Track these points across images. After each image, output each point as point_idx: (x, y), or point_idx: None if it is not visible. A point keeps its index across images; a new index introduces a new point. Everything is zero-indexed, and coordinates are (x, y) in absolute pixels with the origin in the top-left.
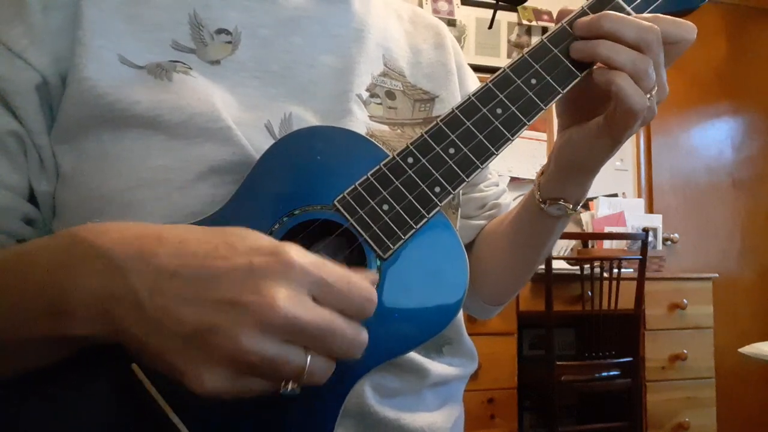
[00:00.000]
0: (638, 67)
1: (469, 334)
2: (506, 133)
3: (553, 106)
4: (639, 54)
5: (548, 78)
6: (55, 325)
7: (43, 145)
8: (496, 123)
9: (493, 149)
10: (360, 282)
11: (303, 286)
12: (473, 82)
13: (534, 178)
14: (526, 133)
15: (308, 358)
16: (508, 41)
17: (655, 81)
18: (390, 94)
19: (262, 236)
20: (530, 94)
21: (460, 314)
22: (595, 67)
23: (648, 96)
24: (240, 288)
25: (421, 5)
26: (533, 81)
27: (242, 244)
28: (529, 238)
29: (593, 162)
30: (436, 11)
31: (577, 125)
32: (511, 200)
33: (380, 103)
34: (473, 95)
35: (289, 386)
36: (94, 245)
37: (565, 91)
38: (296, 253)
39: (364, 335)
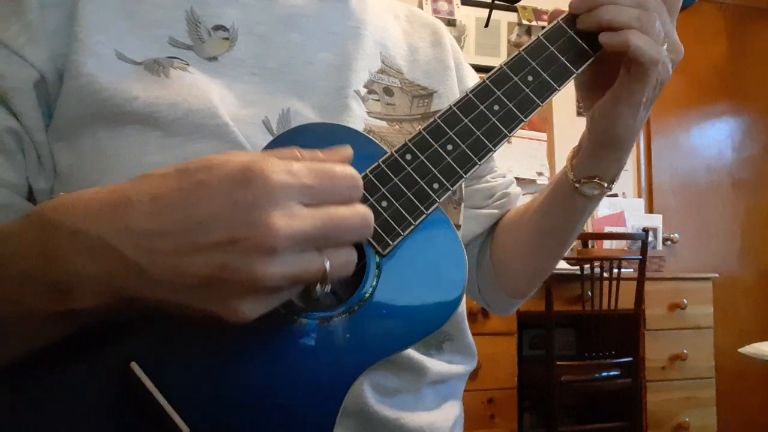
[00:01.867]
0: (643, 21)
1: None
2: (503, 129)
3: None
4: (641, 10)
5: (545, 75)
6: (58, 304)
7: (40, 143)
8: (494, 120)
9: (490, 146)
10: (340, 171)
11: (290, 200)
12: (472, 79)
13: (534, 178)
14: (526, 132)
15: (325, 259)
16: (508, 41)
17: (665, 37)
18: (388, 91)
19: (226, 160)
20: (527, 91)
21: (462, 310)
22: (592, 58)
23: (662, 47)
24: (234, 225)
25: (420, 5)
26: (530, 78)
27: (213, 178)
28: (560, 222)
29: (621, 132)
30: (436, 11)
31: (597, 100)
32: (520, 191)
33: (378, 100)
34: (470, 92)
35: (318, 289)
36: (67, 227)
37: (561, 87)
38: (270, 169)
39: (366, 212)
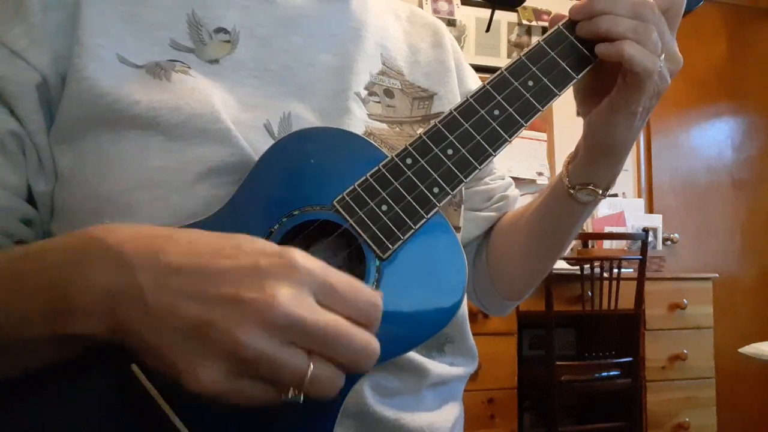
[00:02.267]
0: (640, 32)
1: None
2: (504, 134)
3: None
4: (638, 22)
5: (545, 80)
6: (56, 324)
7: (42, 145)
8: (494, 124)
9: (491, 150)
10: (365, 288)
11: (307, 288)
12: (473, 81)
13: (534, 178)
14: (526, 132)
15: (310, 363)
16: (508, 41)
17: (662, 47)
18: (388, 93)
19: (270, 243)
20: (527, 96)
21: (464, 313)
22: (595, 61)
23: (659, 58)
24: (242, 285)
25: (420, 5)
26: (530, 83)
27: (249, 246)
28: (555, 227)
29: (617, 139)
30: (436, 11)
31: (594, 108)
32: (518, 193)
33: (379, 102)
34: (471, 97)
35: (290, 393)
36: (105, 243)
37: (561, 93)
38: (302, 256)
39: (375, 344)
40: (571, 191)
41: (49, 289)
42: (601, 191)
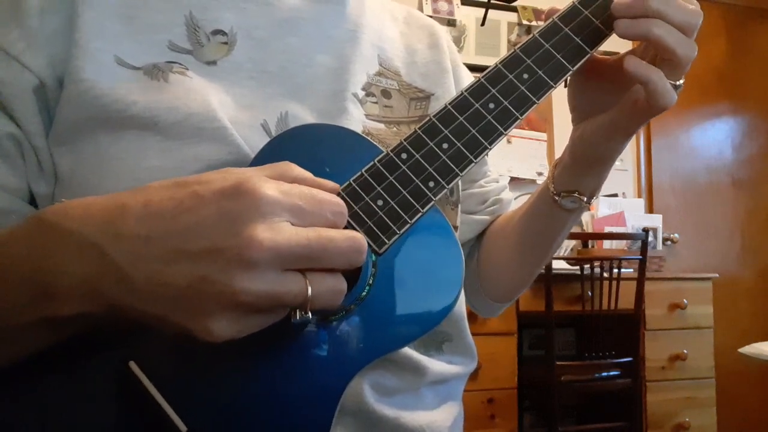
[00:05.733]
0: (685, 52)
1: None
2: (499, 127)
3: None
4: (685, 38)
5: (540, 72)
6: (43, 309)
7: (40, 148)
8: (489, 117)
9: (486, 143)
10: (327, 197)
11: (277, 215)
12: (469, 81)
13: (534, 178)
14: (525, 133)
15: (308, 283)
16: (508, 41)
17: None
18: (386, 93)
19: (224, 176)
20: (522, 88)
21: (462, 311)
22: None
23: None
24: (217, 235)
25: (421, 5)
26: (525, 75)
27: (206, 190)
28: (541, 232)
29: (608, 154)
30: (436, 11)
31: (590, 119)
32: (512, 196)
33: (376, 102)
34: (466, 90)
35: (298, 314)
36: (61, 228)
37: (557, 85)
38: (261, 185)
39: (357, 237)
40: (557, 198)
41: (26, 280)
42: (585, 198)
